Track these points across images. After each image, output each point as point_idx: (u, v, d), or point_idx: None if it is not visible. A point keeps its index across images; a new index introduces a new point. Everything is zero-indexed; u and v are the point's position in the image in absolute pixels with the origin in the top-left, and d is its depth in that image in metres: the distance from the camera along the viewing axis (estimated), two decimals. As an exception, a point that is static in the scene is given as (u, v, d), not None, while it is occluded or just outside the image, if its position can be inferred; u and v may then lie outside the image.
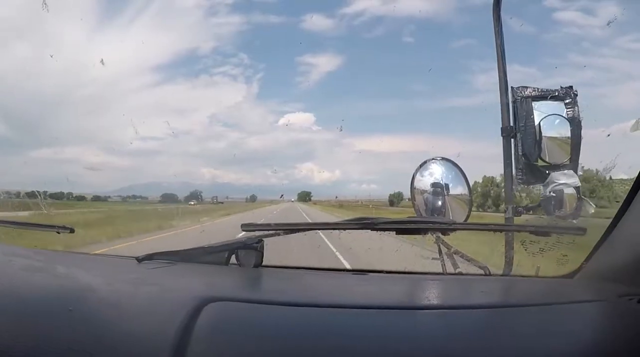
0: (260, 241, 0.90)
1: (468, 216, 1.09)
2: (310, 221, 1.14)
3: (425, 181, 1.10)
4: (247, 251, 0.89)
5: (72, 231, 1.15)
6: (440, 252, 1.04)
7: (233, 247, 0.91)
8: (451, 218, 1.08)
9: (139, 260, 0.90)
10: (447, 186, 1.09)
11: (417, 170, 1.11)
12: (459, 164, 1.11)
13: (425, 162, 1.11)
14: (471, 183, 1.14)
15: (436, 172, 1.10)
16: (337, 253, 6.34)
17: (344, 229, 0.99)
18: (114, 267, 0.96)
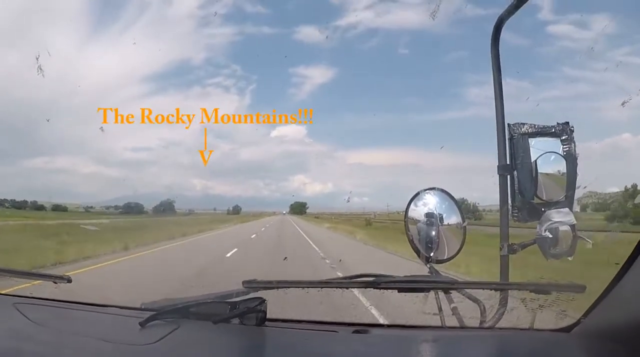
0: (262, 302, 0.94)
1: (462, 246, 1.10)
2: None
3: (419, 211, 1.11)
4: (249, 315, 0.94)
5: (69, 280, 1.18)
6: (440, 308, 1.06)
7: (236, 309, 0.94)
8: (446, 247, 1.10)
9: (142, 325, 0.92)
10: (441, 216, 1.09)
11: (411, 201, 1.12)
12: (452, 194, 1.11)
13: (419, 193, 1.12)
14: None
15: (430, 203, 1.11)
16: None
17: (347, 287, 1.04)
18: (115, 337, 0.95)
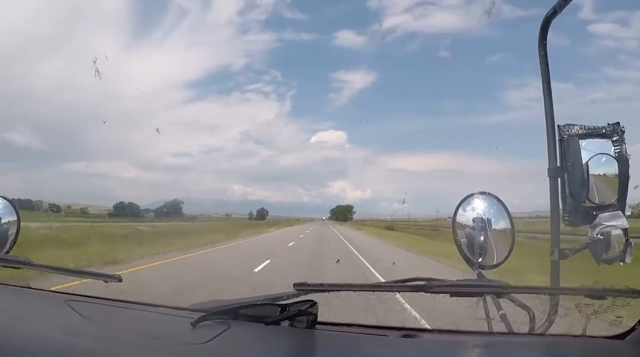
0: (313, 304, 0.95)
1: (510, 251, 1.11)
2: None
3: (467, 215, 1.11)
4: (300, 317, 0.95)
5: (119, 280, 1.20)
6: (487, 314, 1.06)
7: (286, 311, 0.96)
8: (494, 252, 1.10)
9: (193, 325, 0.93)
10: (489, 221, 1.09)
11: (459, 205, 1.13)
12: (501, 199, 1.10)
13: (467, 197, 1.12)
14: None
15: (478, 207, 1.11)
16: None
17: (398, 291, 1.05)
18: (167, 335, 0.98)
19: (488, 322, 1.06)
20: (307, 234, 24.31)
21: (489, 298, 1.04)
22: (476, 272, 1.09)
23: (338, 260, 8.34)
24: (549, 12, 1.15)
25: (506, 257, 1.10)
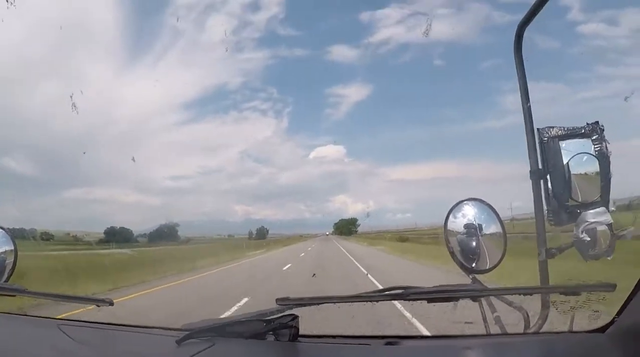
0: (295, 317, 0.97)
1: (503, 255, 1.13)
2: None
3: (458, 222, 1.14)
4: (282, 331, 0.97)
5: (111, 304, 1.22)
6: (485, 319, 1.08)
7: (270, 324, 0.98)
8: (487, 257, 1.12)
9: (178, 343, 0.96)
10: (480, 226, 1.12)
11: (449, 213, 1.15)
12: (490, 204, 1.13)
13: (457, 204, 1.15)
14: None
15: (469, 214, 1.14)
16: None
17: (377, 300, 1.06)
18: (151, 354, 1.01)
19: (486, 326, 1.08)
20: (301, 258, 17.37)
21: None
22: (470, 277, 1.12)
23: (314, 274, 8.00)
24: (522, 19, 1.19)
25: (500, 261, 1.13)
